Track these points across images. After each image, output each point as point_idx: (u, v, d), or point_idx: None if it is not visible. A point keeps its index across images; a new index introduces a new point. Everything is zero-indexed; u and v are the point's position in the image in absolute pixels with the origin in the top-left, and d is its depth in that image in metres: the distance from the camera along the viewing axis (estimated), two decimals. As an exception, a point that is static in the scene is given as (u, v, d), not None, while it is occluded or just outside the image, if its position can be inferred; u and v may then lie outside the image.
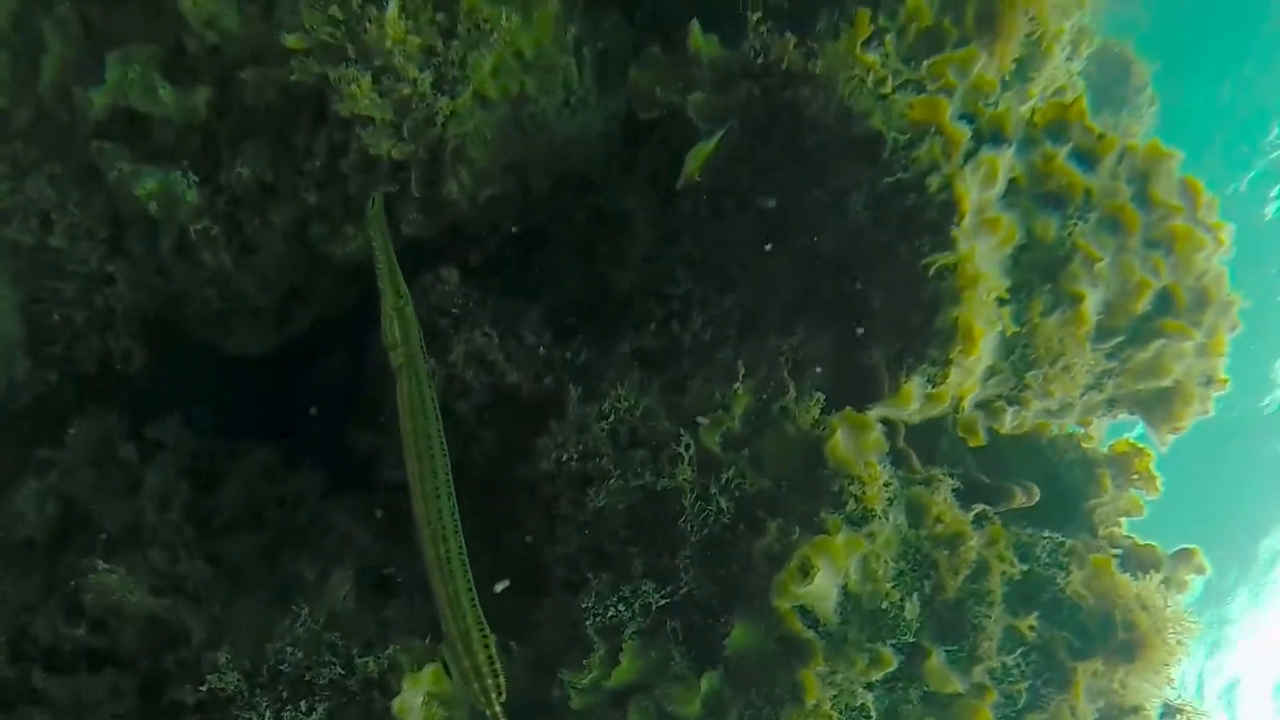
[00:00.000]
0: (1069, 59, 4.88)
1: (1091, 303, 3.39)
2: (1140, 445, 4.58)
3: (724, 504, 3.04)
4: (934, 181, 3.11)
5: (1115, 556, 3.73)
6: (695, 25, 3.70)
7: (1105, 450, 4.59)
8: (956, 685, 2.91)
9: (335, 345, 4.61)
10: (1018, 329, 3.29)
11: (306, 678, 2.98)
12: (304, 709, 2.95)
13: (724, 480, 3.07)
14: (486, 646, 2.69)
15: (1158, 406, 3.85)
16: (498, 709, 2.72)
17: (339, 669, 2.96)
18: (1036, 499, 3.52)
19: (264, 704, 2.94)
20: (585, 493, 3.14)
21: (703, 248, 3.72)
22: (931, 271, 3.05)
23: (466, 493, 3.17)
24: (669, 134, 3.84)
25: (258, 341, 4.44)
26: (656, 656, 2.97)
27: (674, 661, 2.95)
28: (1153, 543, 4.22)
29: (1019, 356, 3.35)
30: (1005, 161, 3.26)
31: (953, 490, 3.27)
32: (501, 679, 2.70)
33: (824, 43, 3.47)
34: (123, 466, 4.12)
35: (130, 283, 4.13)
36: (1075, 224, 3.48)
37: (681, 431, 3.11)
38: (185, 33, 3.62)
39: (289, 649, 3.03)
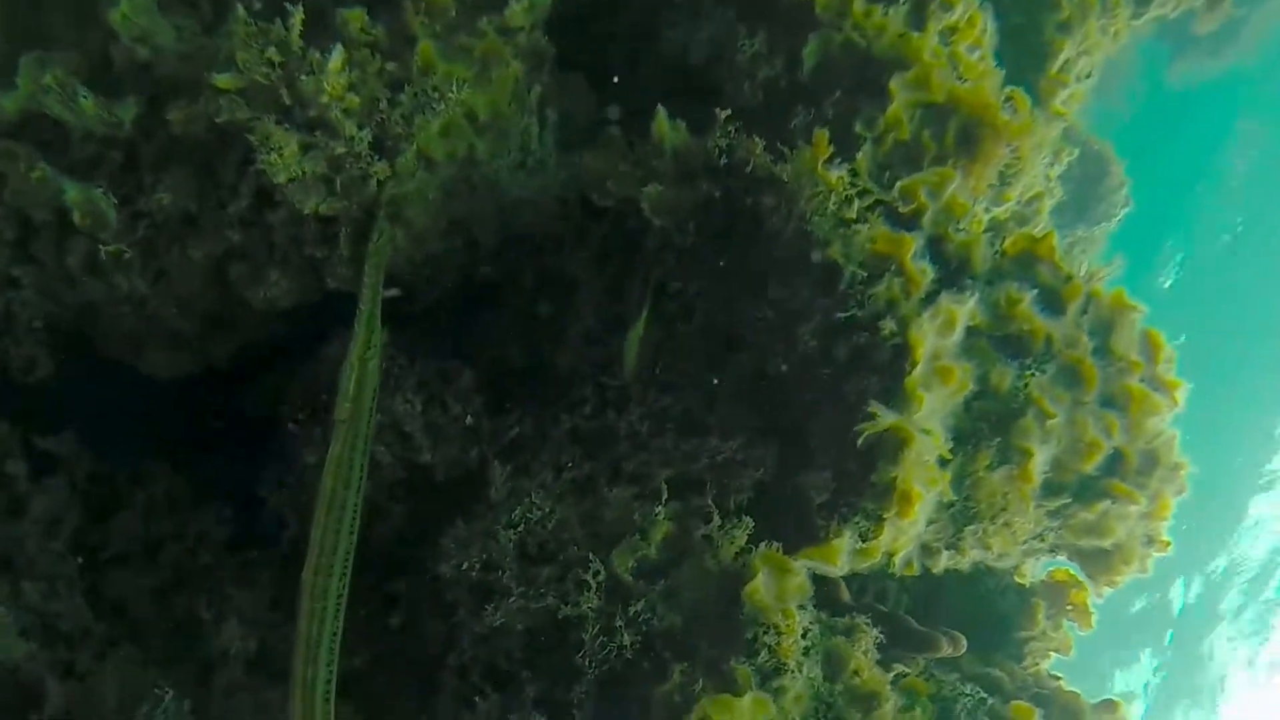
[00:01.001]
0: (1050, 164, 4.78)
1: (1040, 460, 3.25)
2: (1077, 578, 4.48)
3: (628, 639, 2.84)
4: (888, 325, 2.95)
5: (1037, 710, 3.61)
6: (662, 111, 3.50)
7: (1043, 578, 4.48)
8: None
9: (262, 373, 4.34)
10: (960, 485, 3.14)
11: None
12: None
13: (632, 613, 2.88)
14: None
15: (1098, 561, 3.73)
16: None
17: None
18: (963, 650, 3.37)
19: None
20: (484, 607, 2.92)
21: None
22: (865, 434, 2.87)
23: (365, 569, 2.96)
24: (624, 213, 3.64)
25: (174, 366, 4.14)
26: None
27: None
28: (1076, 690, 4.10)
29: (959, 509, 3.20)
30: (966, 310, 3.10)
31: (876, 640, 3.10)
32: None
33: (794, 148, 3.28)
34: (7, 484, 3.83)
35: (38, 289, 3.82)
36: (1032, 375, 3.34)
37: (591, 557, 2.91)
38: (114, 44, 3.33)
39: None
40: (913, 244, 3.04)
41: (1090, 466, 3.36)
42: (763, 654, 2.82)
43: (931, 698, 3.19)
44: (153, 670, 3.43)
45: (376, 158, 3.35)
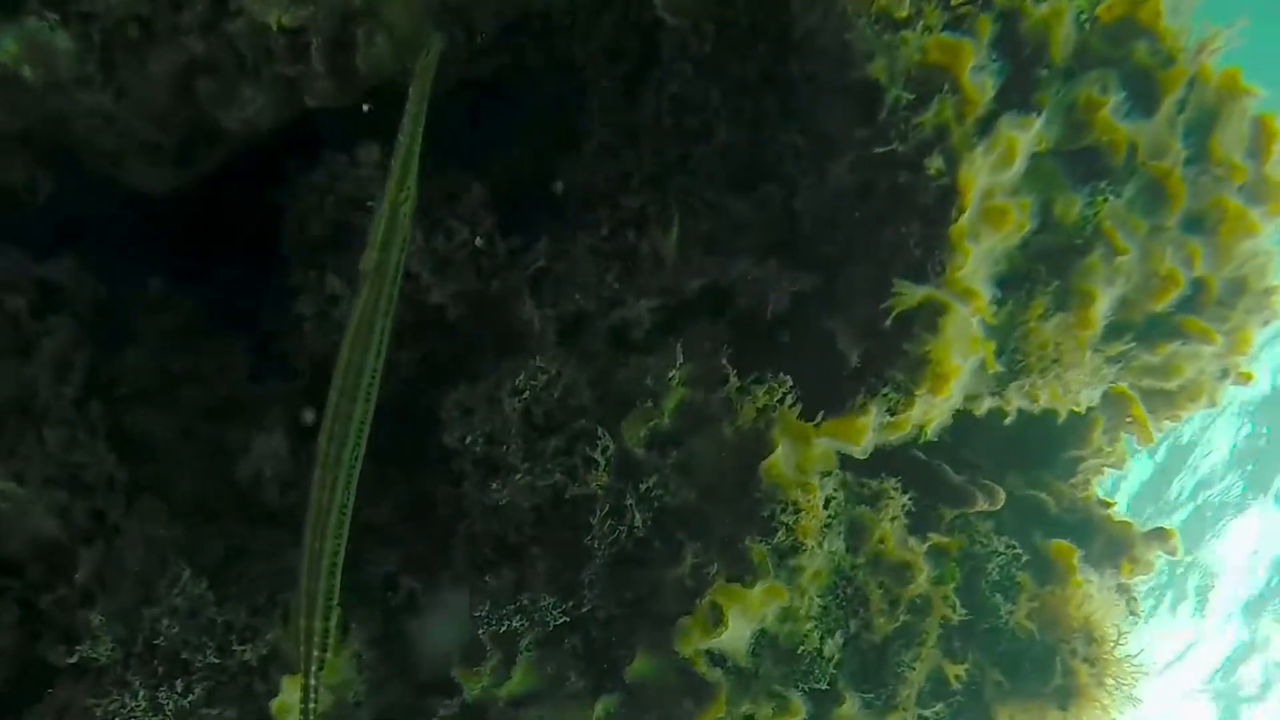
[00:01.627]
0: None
1: (1103, 304, 2.86)
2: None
3: (640, 518, 2.69)
4: (935, 163, 2.49)
5: (1079, 552, 3.45)
6: None
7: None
8: (869, 732, 2.71)
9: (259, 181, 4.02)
10: (1008, 338, 2.79)
11: (182, 656, 2.79)
12: (179, 689, 2.78)
13: (643, 489, 2.71)
14: (327, 617, 2.50)
15: (1160, 398, 3.40)
16: (313, 682, 2.52)
17: (213, 655, 2.76)
18: (1001, 503, 3.16)
19: (138, 682, 2.76)
20: (489, 483, 2.79)
21: (661, 163, 3.13)
22: (901, 300, 2.50)
23: (376, 423, 2.83)
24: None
25: (157, 179, 3.85)
26: (552, 673, 2.75)
27: (570, 680, 2.74)
28: (1128, 519, 3.91)
29: (1006, 364, 2.86)
30: (1030, 137, 2.61)
31: (905, 506, 2.91)
32: (329, 655, 2.53)
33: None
34: (11, 322, 3.71)
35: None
36: (1105, 199, 2.87)
37: (600, 432, 2.71)
38: None
39: (165, 621, 2.81)
40: (972, 53, 2.52)
41: (1163, 305, 2.97)
42: (780, 532, 2.66)
43: (961, 556, 3.04)
44: (177, 528, 3.45)
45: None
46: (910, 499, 2.94)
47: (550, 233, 3.23)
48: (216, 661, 2.77)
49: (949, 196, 2.51)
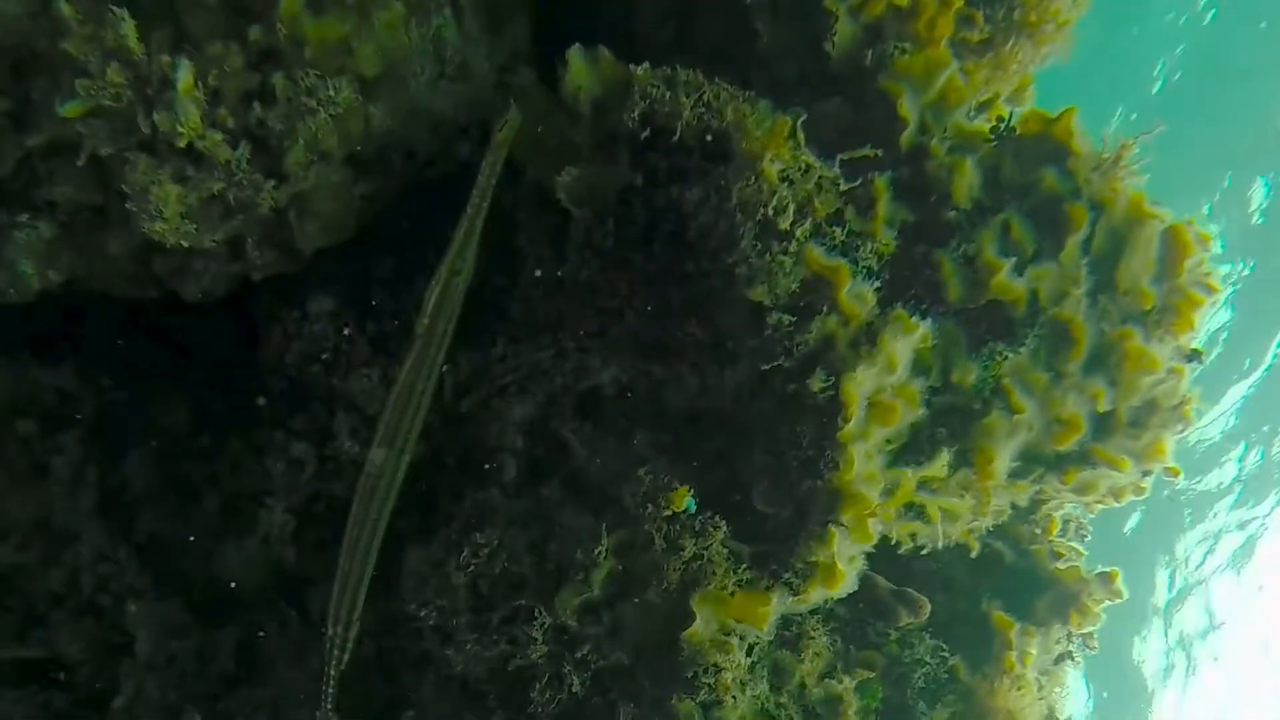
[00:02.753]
0: None
1: (1003, 460, 3.03)
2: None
3: (578, 681, 3.01)
4: (817, 382, 2.65)
5: (1015, 626, 3.70)
6: (576, 52, 3.01)
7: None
8: None
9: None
10: (914, 493, 2.99)
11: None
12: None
13: (579, 655, 3.02)
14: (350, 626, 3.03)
15: (1084, 496, 3.57)
16: (333, 674, 3.02)
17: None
18: (926, 615, 3.41)
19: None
20: (446, 649, 3.12)
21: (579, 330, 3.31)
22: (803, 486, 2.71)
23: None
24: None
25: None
26: (513, 811, 3.13)
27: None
28: (1077, 566, 4.11)
29: (914, 514, 3.07)
30: (912, 341, 2.74)
31: (831, 645, 3.18)
32: (347, 654, 3.02)
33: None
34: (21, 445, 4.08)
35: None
36: (1005, 358, 3.01)
37: (537, 611, 3.00)
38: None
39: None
40: (849, 276, 2.65)
41: (1067, 445, 3.12)
42: (704, 691, 2.96)
43: (887, 669, 3.32)
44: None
45: (264, 179, 3.07)
46: (832, 631, 3.21)
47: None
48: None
49: (835, 405, 2.68)
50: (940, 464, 2.97)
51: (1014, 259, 3.10)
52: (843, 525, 2.70)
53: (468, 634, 3.06)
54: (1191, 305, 3.29)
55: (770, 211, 2.70)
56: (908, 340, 2.73)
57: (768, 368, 2.70)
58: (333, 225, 3.42)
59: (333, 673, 3.05)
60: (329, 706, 3.07)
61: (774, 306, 2.67)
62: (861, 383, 2.66)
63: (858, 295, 2.69)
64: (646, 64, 3.02)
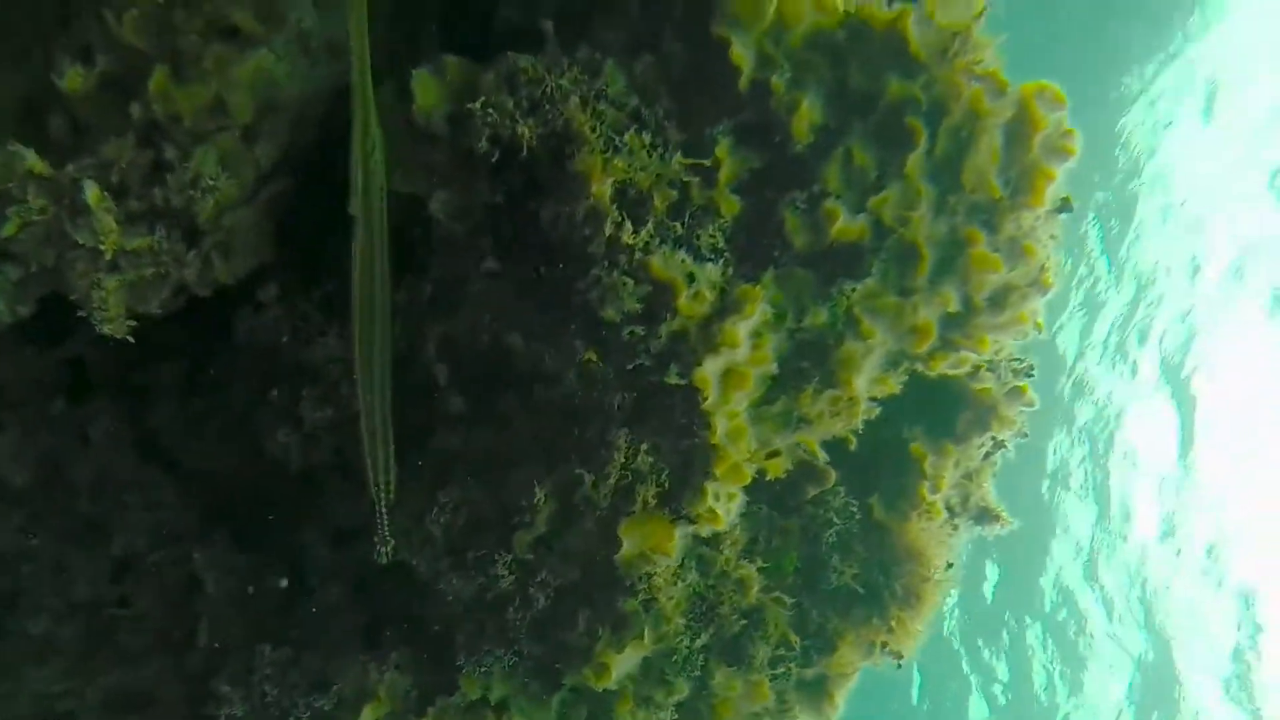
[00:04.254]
0: None
1: (864, 378, 3.45)
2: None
3: (542, 598, 3.76)
4: (673, 376, 3.08)
5: (929, 458, 4.26)
6: (423, 73, 3.24)
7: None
8: (738, 688, 3.91)
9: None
10: (788, 420, 3.47)
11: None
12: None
13: (540, 579, 3.75)
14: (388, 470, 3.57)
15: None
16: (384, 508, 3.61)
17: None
18: (830, 483, 3.98)
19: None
20: (436, 583, 3.88)
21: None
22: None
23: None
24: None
25: None
26: (516, 684, 4.02)
27: (529, 684, 4.01)
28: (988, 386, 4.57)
29: (792, 425, 3.56)
30: (751, 323, 3.10)
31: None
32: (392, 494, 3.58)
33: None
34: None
35: None
36: (852, 290, 3.35)
37: (499, 553, 3.70)
38: None
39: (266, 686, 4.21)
40: (683, 288, 2.99)
41: (925, 347, 3.50)
42: (642, 592, 3.68)
43: (803, 530, 3.97)
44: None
45: (185, 249, 3.46)
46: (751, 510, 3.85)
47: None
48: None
49: (692, 390, 3.13)
50: (807, 395, 3.42)
51: (856, 189, 3.35)
52: (717, 480, 3.25)
53: (450, 574, 3.80)
54: (1044, 178, 3.50)
55: (612, 227, 3.00)
56: (748, 321, 3.10)
57: (631, 366, 3.13)
58: (257, 245, 3.79)
59: (384, 510, 3.58)
60: (385, 533, 3.64)
61: (624, 322, 3.05)
62: (711, 368, 3.09)
63: (695, 296, 3.04)
64: (491, 67, 3.17)
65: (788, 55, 3.37)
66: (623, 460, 3.38)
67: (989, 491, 4.77)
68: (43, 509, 4.79)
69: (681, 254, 3.11)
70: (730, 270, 3.25)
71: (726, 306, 3.12)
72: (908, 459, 4.33)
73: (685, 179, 3.24)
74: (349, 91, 3.11)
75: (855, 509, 4.07)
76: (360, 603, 4.51)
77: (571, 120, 3.10)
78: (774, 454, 3.57)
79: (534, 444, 3.56)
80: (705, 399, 3.13)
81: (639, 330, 3.06)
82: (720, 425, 3.20)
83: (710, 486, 3.25)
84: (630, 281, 3.01)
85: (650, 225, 3.08)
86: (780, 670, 3.94)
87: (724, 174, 3.25)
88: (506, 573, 3.72)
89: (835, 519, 4.03)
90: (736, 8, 3.25)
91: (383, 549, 3.56)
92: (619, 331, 3.11)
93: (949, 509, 4.47)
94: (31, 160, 3.07)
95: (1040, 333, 3.91)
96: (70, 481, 4.76)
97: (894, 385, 3.61)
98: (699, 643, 3.89)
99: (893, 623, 4.00)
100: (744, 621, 3.87)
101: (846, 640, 4.02)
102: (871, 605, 4.01)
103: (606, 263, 3.03)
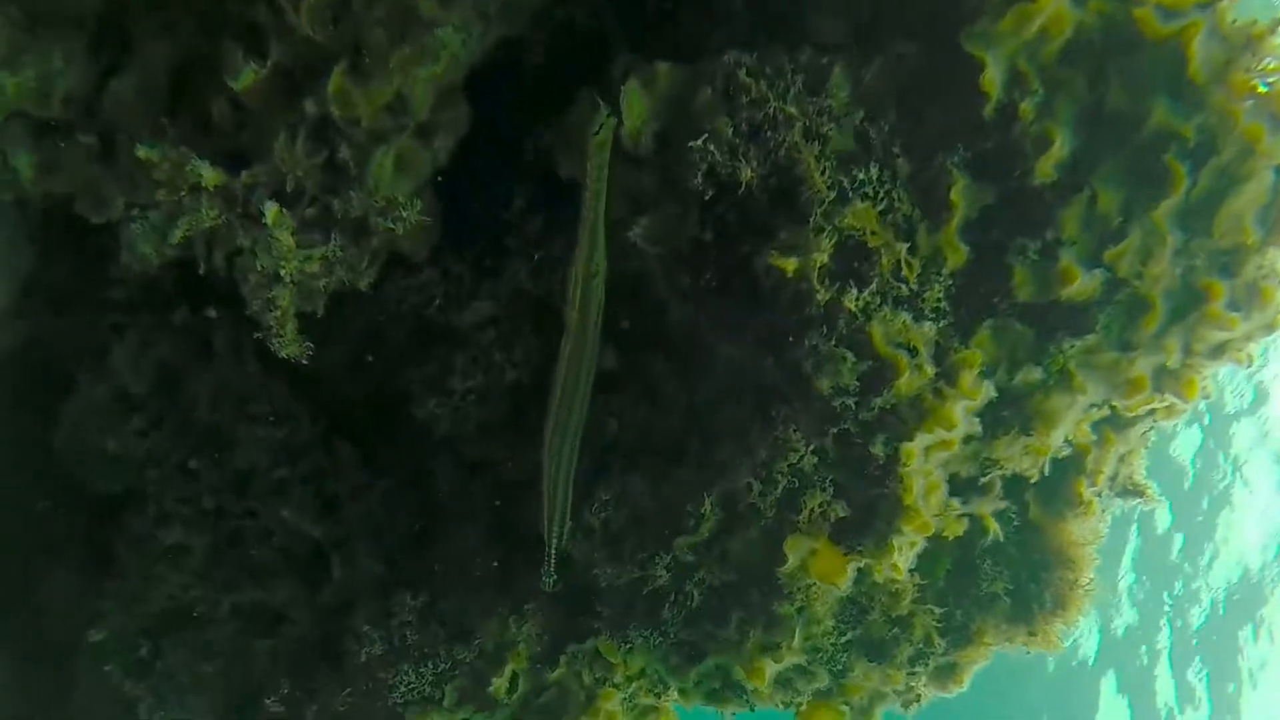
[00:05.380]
0: None
1: (1066, 425, 3.26)
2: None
3: (697, 595, 3.80)
4: (879, 447, 2.91)
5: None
6: (633, 86, 2.94)
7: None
8: (875, 679, 4.00)
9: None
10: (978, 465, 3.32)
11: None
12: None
13: (696, 578, 3.77)
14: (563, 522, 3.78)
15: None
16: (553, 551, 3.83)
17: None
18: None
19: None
20: (596, 571, 3.91)
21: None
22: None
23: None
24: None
25: None
26: (657, 656, 4.14)
27: (670, 658, 4.13)
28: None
29: (976, 464, 3.42)
30: (969, 403, 2.89)
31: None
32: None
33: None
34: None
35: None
36: (1070, 347, 3.11)
37: (659, 554, 3.69)
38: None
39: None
40: (907, 366, 2.75)
41: (1135, 399, 3.28)
42: (799, 599, 3.69)
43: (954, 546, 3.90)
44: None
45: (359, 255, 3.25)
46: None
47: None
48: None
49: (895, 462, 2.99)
50: (1002, 443, 3.27)
51: (1095, 235, 3.03)
52: (903, 534, 3.16)
53: (606, 562, 3.82)
54: None
55: (832, 293, 2.76)
56: (967, 402, 2.89)
57: (835, 431, 2.97)
58: (428, 234, 3.53)
59: (553, 553, 3.78)
60: (551, 568, 3.81)
61: (836, 393, 2.85)
62: (920, 444, 2.92)
63: (917, 371, 2.82)
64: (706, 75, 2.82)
65: (1041, 71, 2.95)
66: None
67: (1140, 469, 4.64)
68: (165, 415, 4.75)
69: (904, 317, 2.87)
70: (947, 324, 3.01)
71: (943, 374, 2.91)
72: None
73: (912, 220, 2.93)
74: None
75: (1014, 515, 3.99)
76: (493, 546, 4.57)
77: (798, 161, 2.77)
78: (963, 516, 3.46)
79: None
80: (907, 466, 2.99)
81: (851, 403, 2.88)
82: (917, 486, 3.07)
83: (897, 541, 3.17)
84: (849, 356, 2.79)
85: (875, 285, 2.82)
86: (919, 667, 4.02)
87: (956, 217, 2.93)
88: (665, 566, 3.74)
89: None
90: (996, 21, 2.82)
91: (548, 580, 3.72)
92: (827, 400, 2.93)
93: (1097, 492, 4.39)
94: (209, 174, 2.80)
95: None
96: (192, 391, 4.70)
97: (1085, 437, 3.43)
98: (844, 639, 3.95)
99: (1037, 628, 4.03)
100: (894, 629, 3.90)
101: (985, 639, 4.06)
102: (1018, 612, 4.03)
103: (825, 328, 2.80)
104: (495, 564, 4.49)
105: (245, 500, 4.76)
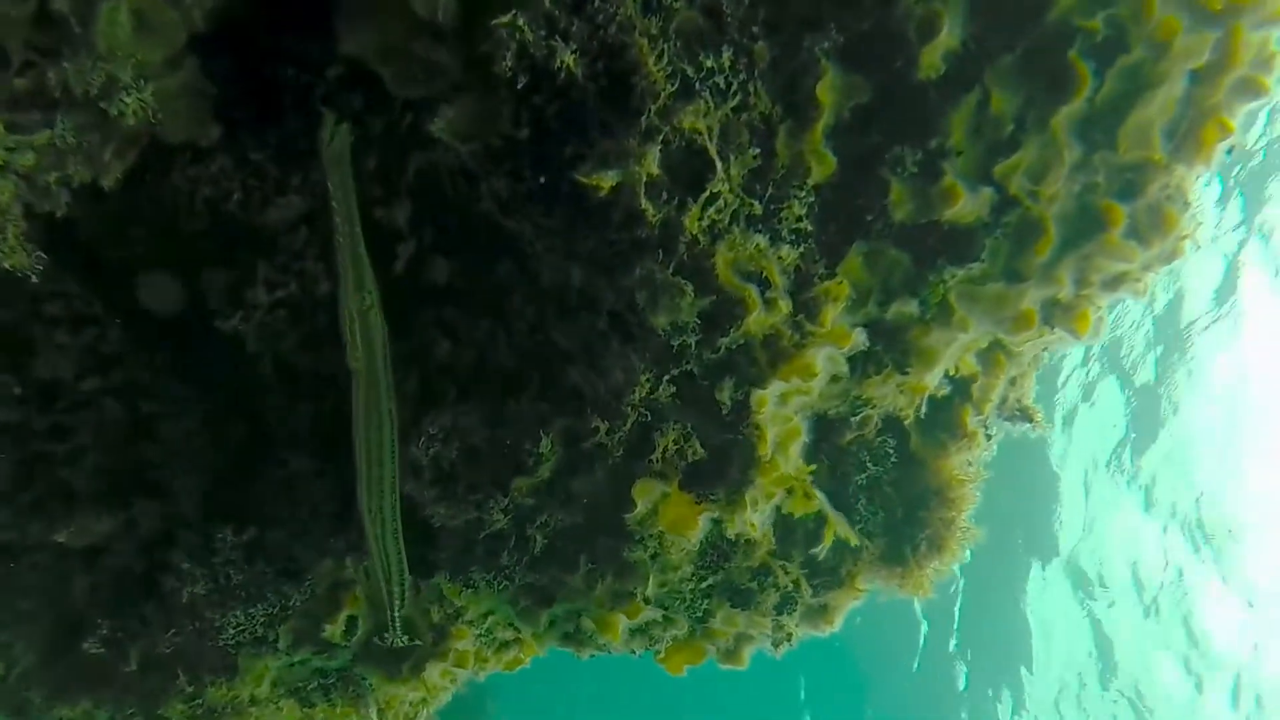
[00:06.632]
0: None
1: (943, 364, 2.87)
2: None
3: (540, 539, 3.41)
4: (725, 393, 2.48)
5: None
6: None
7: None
8: (739, 623, 3.69)
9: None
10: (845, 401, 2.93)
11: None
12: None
13: (539, 521, 3.36)
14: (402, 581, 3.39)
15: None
16: (396, 615, 3.68)
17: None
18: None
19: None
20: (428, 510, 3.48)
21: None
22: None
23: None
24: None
25: None
26: (504, 599, 3.77)
27: (519, 601, 3.77)
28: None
29: (845, 403, 3.03)
30: (835, 354, 2.46)
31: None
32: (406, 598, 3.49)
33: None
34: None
35: None
36: (951, 277, 2.70)
37: (495, 497, 3.26)
38: None
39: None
40: (757, 302, 2.29)
41: (1021, 335, 2.90)
42: (651, 546, 3.33)
43: (829, 471, 3.56)
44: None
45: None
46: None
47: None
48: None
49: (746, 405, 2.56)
50: (874, 381, 2.88)
51: (984, 145, 2.59)
52: (757, 488, 2.77)
53: (439, 501, 3.39)
54: (1218, 130, 2.77)
55: (667, 212, 2.27)
56: (831, 351, 2.47)
57: (675, 373, 2.52)
58: (189, 124, 2.90)
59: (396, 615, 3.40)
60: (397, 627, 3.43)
61: (675, 331, 2.39)
62: (774, 391, 2.50)
63: (769, 308, 2.38)
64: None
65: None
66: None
67: (1028, 391, 4.35)
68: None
69: (758, 239, 2.40)
70: (809, 246, 2.56)
71: (803, 308, 2.47)
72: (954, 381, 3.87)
73: (771, 120, 2.44)
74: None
75: (891, 449, 3.65)
76: (326, 476, 4.10)
77: (629, 44, 2.24)
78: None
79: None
80: (759, 413, 2.58)
81: (692, 341, 2.43)
82: (771, 435, 2.67)
83: (750, 495, 2.79)
84: (689, 289, 2.32)
85: (722, 200, 2.34)
86: (786, 614, 3.72)
87: (824, 118, 2.45)
88: (504, 511, 3.33)
89: (870, 463, 3.62)
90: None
91: (395, 640, 3.40)
92: (665, 337, 2.47)
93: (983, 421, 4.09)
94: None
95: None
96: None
97: (971, 365, 3.06)
98: (705, 585, 3.62)
99: (911, 570, 3.75)
100: (754, 581, 3.58)
101: (857, 581, 3.78)
102: (892, 553, 3.73)
103: (661, 253, 2.32)
104: (328, 496, 4.04)
105: (52, 415, 4.20)
